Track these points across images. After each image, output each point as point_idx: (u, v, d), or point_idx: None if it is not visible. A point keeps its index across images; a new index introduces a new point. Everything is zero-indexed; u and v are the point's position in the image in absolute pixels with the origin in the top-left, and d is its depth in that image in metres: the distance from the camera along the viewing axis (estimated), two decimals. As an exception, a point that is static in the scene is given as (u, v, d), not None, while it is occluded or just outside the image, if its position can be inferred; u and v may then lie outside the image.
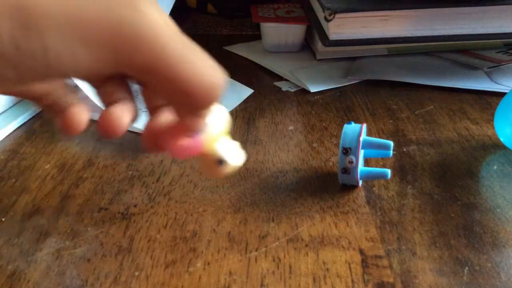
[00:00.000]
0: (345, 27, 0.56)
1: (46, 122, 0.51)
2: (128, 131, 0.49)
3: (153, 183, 0.41)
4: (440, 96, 0.56)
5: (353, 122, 0.39)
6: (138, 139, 0.48)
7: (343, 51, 0.65)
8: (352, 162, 0.37)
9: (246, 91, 0.57)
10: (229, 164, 0.29)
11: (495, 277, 0.31)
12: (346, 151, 0.37)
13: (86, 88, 0.50)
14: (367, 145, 0.38)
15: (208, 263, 0.32)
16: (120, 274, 0.31)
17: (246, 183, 0.41)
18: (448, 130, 0.48)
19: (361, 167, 0.38)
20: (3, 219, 0.37)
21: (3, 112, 0.51)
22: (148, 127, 0.26)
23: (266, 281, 0.31)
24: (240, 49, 0.71)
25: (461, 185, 0.40)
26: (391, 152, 0.38)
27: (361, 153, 0.39)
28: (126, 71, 0.21)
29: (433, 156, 0.44)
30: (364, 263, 0.32)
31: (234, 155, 0.28)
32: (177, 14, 0.74)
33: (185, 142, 0.25)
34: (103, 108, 0.24)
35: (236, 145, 0.28)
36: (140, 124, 0.48)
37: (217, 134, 0.27)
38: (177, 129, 0.25)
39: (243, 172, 0.42)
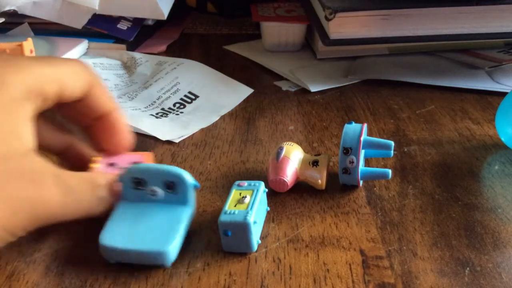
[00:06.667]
0: (345, 26, 0.56)
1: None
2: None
3: (152, 183, 0.41)
4: (441, 95, 0.55)
5: (353, 122, 0.39)
6: (138, 139, 0.47)
7: (344, 50, 0.65)
8: (352, 162, 0.37)
9: (246, 91, 0.56)
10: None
11: (497, 278, 0.31)
12: (347, 151, 0.37)
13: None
14: (367, 145, 0.38)
15: (208, 264, 0.32)
16: (119, 274, 0.31)
17: (246, 183, 0.40)
18: (449, 130, 0.48)
19: (361, 167, 0.38)
20: (2, 219, 0.37)
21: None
22: None
23: (266, 282, 0.30)
24: (240, 49, 0.70)
25: (462, 185, 0.40)
26: (392, 152, 0.38)
27: (362, 153, 0.38)
28: None
29: (434, 156, 0.44)
30: (365, 263, 0.32)
31: None
32: (176, 13, 0.74)
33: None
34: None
35: None
36: (141, 124, 0.48)
37: None
38: None
39: (243, 172, 0.42)
